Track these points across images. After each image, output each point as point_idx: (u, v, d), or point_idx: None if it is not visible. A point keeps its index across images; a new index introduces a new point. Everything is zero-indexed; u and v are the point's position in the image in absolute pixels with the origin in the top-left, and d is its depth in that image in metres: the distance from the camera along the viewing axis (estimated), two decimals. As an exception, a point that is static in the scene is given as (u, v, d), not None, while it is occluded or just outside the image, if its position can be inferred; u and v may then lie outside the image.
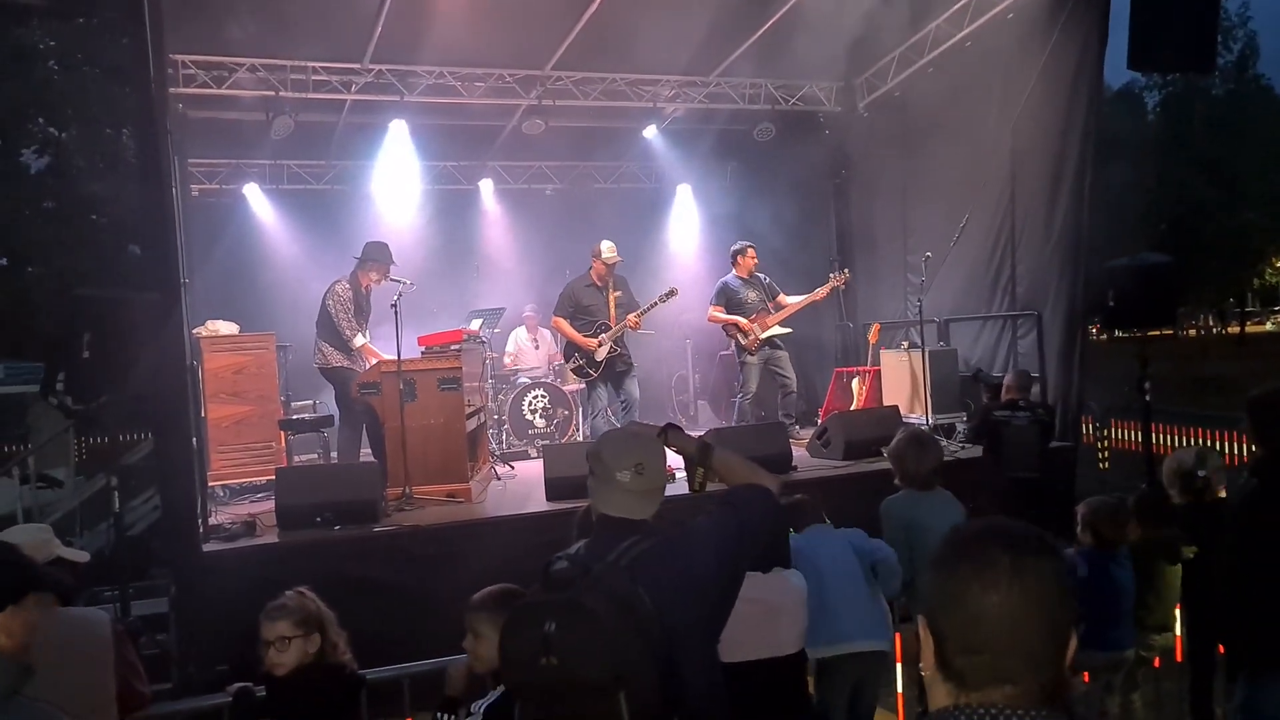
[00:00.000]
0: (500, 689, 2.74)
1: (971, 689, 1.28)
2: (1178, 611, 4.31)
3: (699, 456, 2.50)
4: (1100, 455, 9.95)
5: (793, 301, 8.76)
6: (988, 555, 1.29)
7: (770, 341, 8.70)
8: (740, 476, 2.47)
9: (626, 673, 2.00)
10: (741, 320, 8.64)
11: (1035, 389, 8.20)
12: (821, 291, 8.67)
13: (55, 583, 2.34)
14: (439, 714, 2.79)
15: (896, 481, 4.17)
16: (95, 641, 2.69)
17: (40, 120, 20.52)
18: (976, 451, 7.17)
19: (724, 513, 2.33)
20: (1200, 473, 3.70)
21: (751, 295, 8.73)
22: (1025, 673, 1.26)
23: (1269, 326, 43.60)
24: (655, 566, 2.17)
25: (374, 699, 3.35)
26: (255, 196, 10.52)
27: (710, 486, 2.56)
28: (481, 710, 2.73)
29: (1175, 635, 4.30)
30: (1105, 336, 15.25)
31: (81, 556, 3.08)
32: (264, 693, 3.04)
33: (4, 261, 20.59)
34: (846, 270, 8.89)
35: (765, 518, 2.39)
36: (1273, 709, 3.03)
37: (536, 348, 10.31)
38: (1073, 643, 1.31)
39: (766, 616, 3.21)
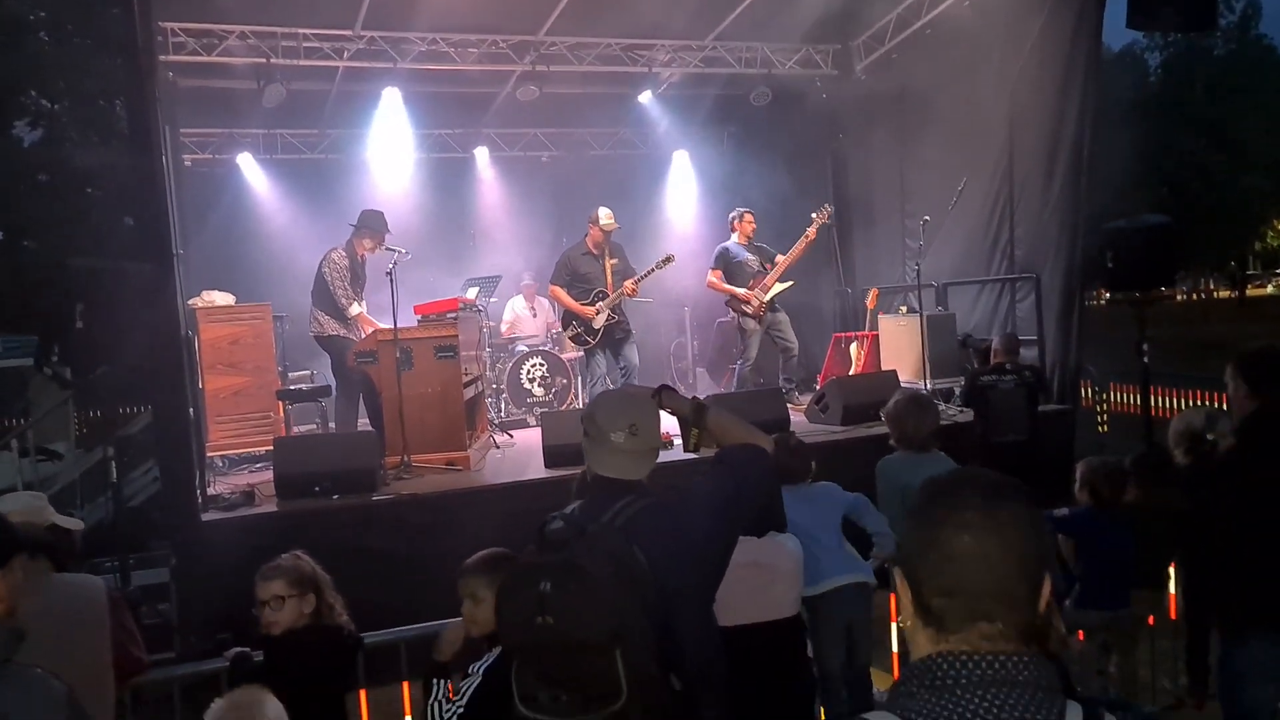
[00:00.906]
0: (498, 650, 2.75)
1: (951, 631, 1.29)
2: (1173, 571, 4.33)
3: (694, 417, 2.49)
4: (1099, 418, 9.95)
5: (785, 257, 8.70)
6: (961, 498, 1.32)
7: (770, 304, 8.66)
8: (735, 437, 2.46)
9: (622, 631, 2.00)
10: (739, 291, 8.60)
11: (1033, 354, 8.23)
12: (810, 233, 8.58)
13: (47, 547, 2.33)
14: (431, 679, 2.80)
15: (893, 443, 4.17)
16: (91, 607, 2.68)
17: (32, 93, 20.33)
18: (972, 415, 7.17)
19: (718, 472, 2.33)
20: (1209, 435, 3.69)
21: (750, 260, 8.69)
22: (1002, 612, 1.27)
23: (1269, 290, 43.51)
24: (650, 526, 2.17)
25: (371, 663, 3.36)
26: (249, 166, 10.45)
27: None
28: (481, 670, 2.74)
29: (1170, 594, 4.31)
30: (1104, 301, 15.23)
31: (75, 524, 3.07)
32: (261, 657, 3.06)
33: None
34: (828, 205, 8.81)
35: (761, 477, 2.38)
36: (1245, 666, 3.06)
37: (534, 316, 10.28)
38: (1047, 585, 1.31)
39: (762, 580, 3.22)
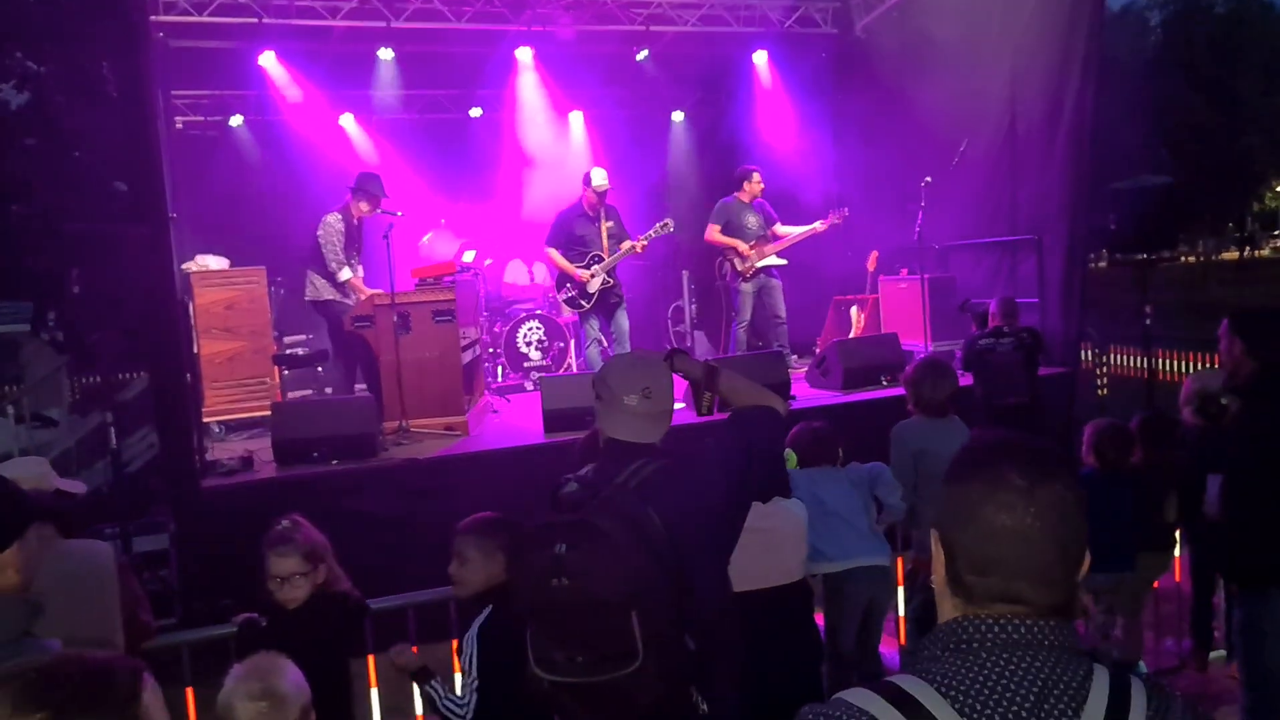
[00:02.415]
0: (489, 609, 2.77)
1: (979, 605, 1.28)
2: (1178, 535, 4.33)
3: (705, 380, 2.46)
4: (1098, 381, 9.95)
5: (789, 232, 8.65)
6: (1001, 475, 1.27)
7: (766, 270, 8.61)
8: (747, 399, 2.43)
9: (638, 591, 2.00)
10: (742, 245, 8.52)
11: (1034, 317, 8.20)
12: (820, 226, 8.54)
13: (54, 513, 2.30)
14: (425, 685, 2.84)
15: (910, 407, 4.16)
16: (100, 572, 2.66)
17: (18, 55, 20.02)
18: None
19: (732, 434, 2.31)
20: (1223, 400, 3.68)
21: (752, 220, 8.60)
22: (1035, 594, 1.25)
23: (1267, 252, 43.40)
24: (664, 487, 2.16)
25: (380, 628, 3.35)
26: (240, 128, 10.32)
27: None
28: (476, 628, 2.75)
29: (1175, 557, 4.32)
30: (1104, 264, 15.20)
31: (78, 487, 3.05)
32: (266, 623, 3.04)
33: (-13, 201, 20.27)
34: (845, 209, 8.73)
35: (774, 440, 2.37)
36: (1269, 625, 3.06)
37: (531, 279, 10.21)
38: (1085, 562, 1.29)
39: (768, 545, 3.21)
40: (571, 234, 8.06)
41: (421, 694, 2.86)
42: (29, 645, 1.89)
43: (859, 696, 1.24)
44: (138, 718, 1.26)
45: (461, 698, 2.75)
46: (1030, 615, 1.24)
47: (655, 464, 2.20)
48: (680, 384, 2.54)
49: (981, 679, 1.21)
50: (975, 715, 1.18)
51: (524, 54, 9.50)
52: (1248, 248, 41.12)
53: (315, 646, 2.77)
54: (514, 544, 2.82)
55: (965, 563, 1.28)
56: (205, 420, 6.97)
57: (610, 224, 8.12)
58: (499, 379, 9.12)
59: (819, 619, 3.62)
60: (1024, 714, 1.18)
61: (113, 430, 5.58)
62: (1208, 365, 10.66)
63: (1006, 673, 1.21)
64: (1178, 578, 4.36)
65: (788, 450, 3.75)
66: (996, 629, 1.24)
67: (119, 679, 1.26)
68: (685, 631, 2.10)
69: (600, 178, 7.97)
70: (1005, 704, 1.19)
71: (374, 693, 3.16)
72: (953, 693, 1.20)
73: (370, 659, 3.30)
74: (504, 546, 2.85)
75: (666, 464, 2.21)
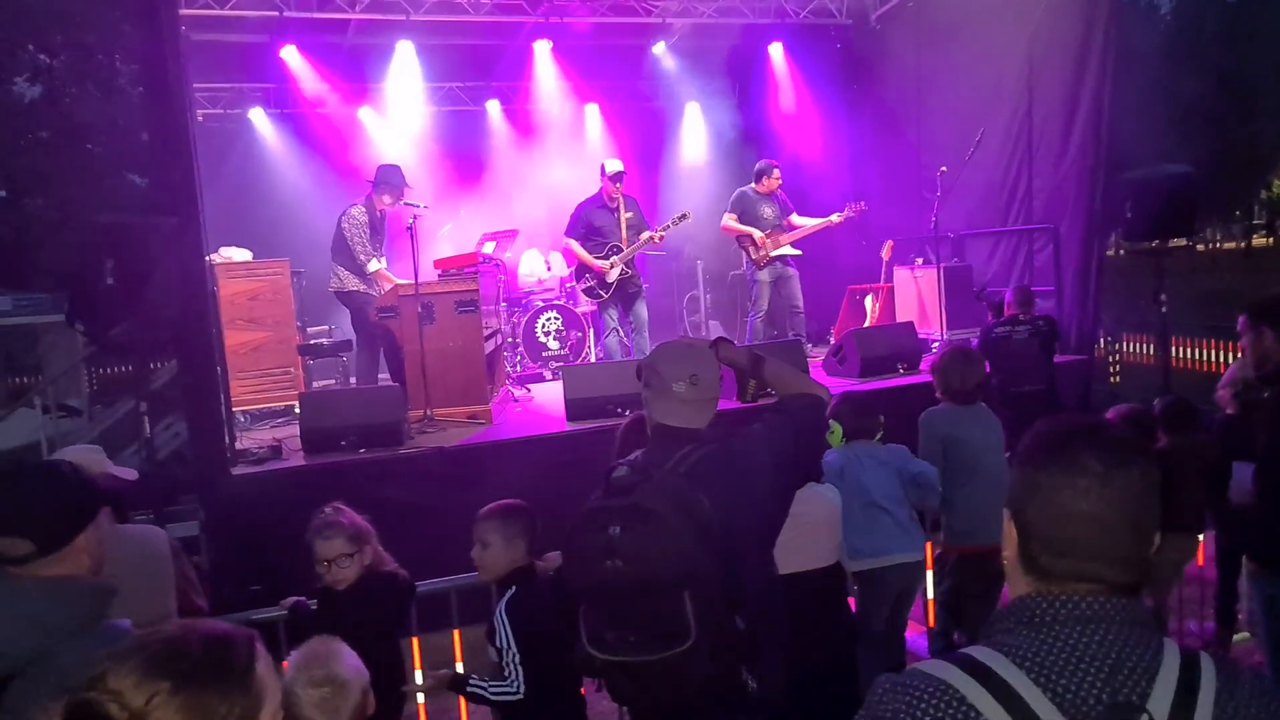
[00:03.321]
0: (513, 589, 2.86)
1: (1054, 584, 1.31)
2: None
3: (751, 368, 2.52)
4: (1111, 369, 9.98)
5: (805, 223, 8.69)
6: (1078, 461, 1.29)
7: (782, 259, 8.66)
8: (792, 387, 2.49)
9: (690, 572, 2.05)
10: (756, 233, 8.57)
11: (1050, 305, 8.23)
12: (836, 219, 8.58)
13: (115, 498, 2.36)
14: (465, 686, 2.91)
15: (938, 394, 4.21)
16: (156, 557, 2.73)
17: (30, 47, 20.08)
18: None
19: (779, 421, 2.36)
20: (1264, 394, 3.72)
21: (767, 211, 8.65)
22: (1111, 573, 1.28)
23: (1270, 241, 43.12)
24: (713, 471, 2.21)
25: (421, 611, 3.43)
26: (260, 121, 10.37)
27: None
28: (503, 608, 2.83)
29: (1199, 541, 4.37)
30: (1114, 252, 15.17)
31: (130, 474, 3.12)
32: (316, 605, 3.12)
33: (3, 194, 20.37)
34: (862, 202, 8.76)
35: (818, 427, 2.42)
36: None
37: (549, 270, 10.27)
38: (1157, 541, 1.32)
39: (802, 530, 3.25)
40: (591, 225, 8.13)
41: (468, 699, 2.92)
42: (107, 630, 1.92)
43: (935, 668, 1.28)
44: (253, 687, 1.30)
45: (507, 677, 2.83)
46: (1103, 592, 1.28)
47: (703, 449, 2.25)
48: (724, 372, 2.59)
49: (1056, 650, 1.24)
50: (1051, 686, 1.22)
51: (541, 46, 9.54)
52: (1257, 235, 40.89)
53: (366, 626, 2.85)
54: (533, 527, 2.99)
55: (1040, 545, 1.31)
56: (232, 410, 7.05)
57: (629, 215, 8.18)
58: (517, 369, 9.18)
59: (851, 602, 3.69)
60: (1098, 685, 1.22)
61: (146, 419, 5.65)
62: (1222, 353, 10.68)
63: (1080, 645, 1.24)
64: (1200, 562, 4.41)
65: (831, 423, 3.81)
66: (1070, 605, 1.27)
67: (237, 649, 1.31)
68: (736, 612, 2.16)
69: (614, 164, 8.05)
70: (1080, 675, 1.22)
71: (418, 674, 3.24)
72: (1028, 664, 1.24)
73: (415, 641, 3.38)
74: (524, 531, 2.95)
75: (714, 449, 2.27)
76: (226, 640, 1.31)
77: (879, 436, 3.99)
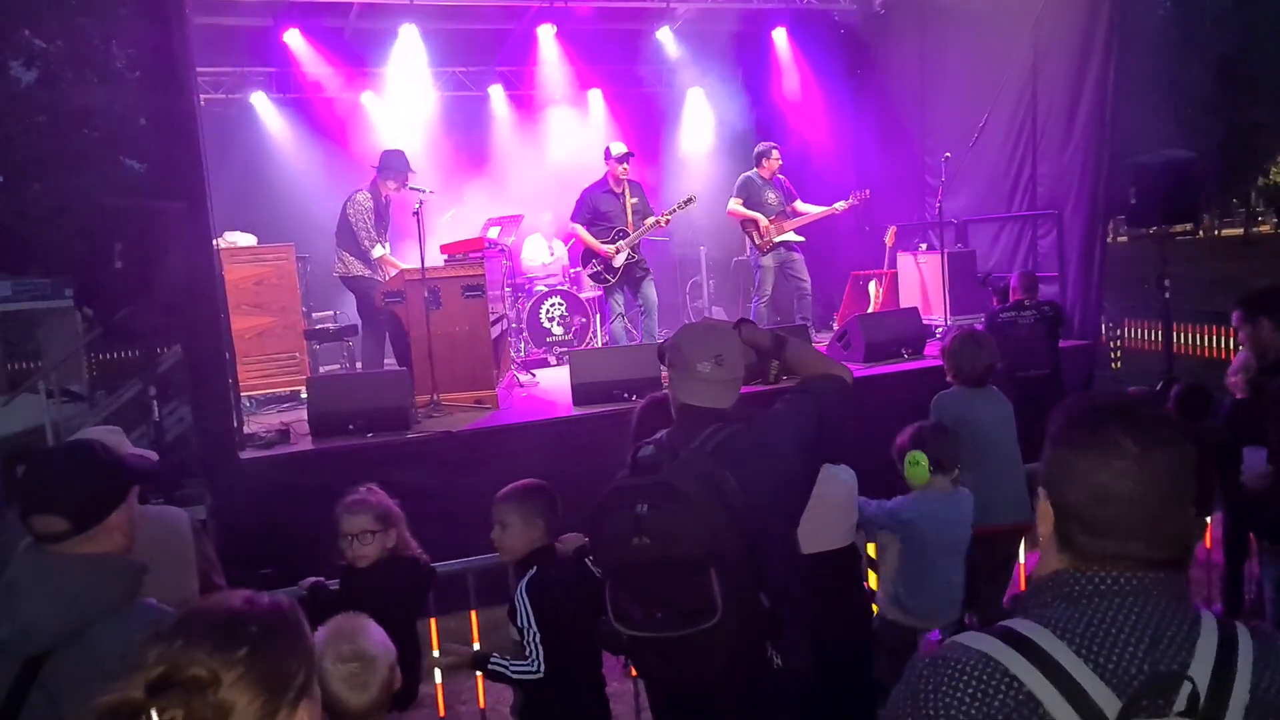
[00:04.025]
0: (532, 570, 2.88)
1: (1091, 562, 1.31)
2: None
3: (773, 349, 2.53)
4: (1113, 355, 10.03)
5: (809, 211, 8.69)
6: (1114, 441, 1.29)
7: (785, 244, 8.66)
8: (814, 368, 2.51)
9: (717, 550, 2.07)
10: (761, 219, 8.58)
11: (1053, 290, 8.25)
12: (841, 207, 8.59)
13: (145, 476, 2.37)
14: (486, 665, 2.89)
15: (949, 378, 4.23)
16: (178, 536, 2.75)
17: (25, 32, 19.97)
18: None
19: (803, 400, 2.38)
20: (1273, 382, 3.73)
21: (771, 196, 8.66)
22: (1149, 551, 1.29)
23: (1267, 228, 43.14)
24: (738, 450, 2.23)
25: (437, 593, 3.45)
26: (262, 105, 10.33)
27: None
28: (524, 588, 2.85)
29: (1206, 524, 4.40)
30: (1117, 239, 15.20)
31: (151, 455, 3.12)
32: (336, 586, 3.14)
33: (0, 179, 20.30)
34: (866, 190, 8.75)
35: (841, 407, 2.43)
36: None
37: (552, 255, 10.26)
38: (1191, 516, 1.33)
39: (817, 511, 3.27)
40: (596, 210, 8.14)
41: (488, 677, 2.93)
42: (141, 608, 1.93)
43: (975, 640, 1.29)
44: (313, 648, 1.33)
45: (528, 656, 2.85)
46: (1141, 568, 1.28)
47: (729, 428, 2.27)
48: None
49: (1096, 622, 1.26)
50: (1092, 657, 1.23)
51: (545, 31, 9.50)
52: (1264, 224, 40.92)
53: (385, 607, 2.86)
54: (552, 507, 3.00)
55: (1078, 525, 1.32)
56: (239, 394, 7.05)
57: (635, 200, 8.20)
58: (521, 354, 9.19)
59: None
60: (1139, 656, 1.23)
61: (155, 403, 5.66)
62: (1222, 339, 10.71)
63: (1119, 617, 1.26)
64: (1208, 544, 4.44)
65: (914, 453, 3.49)
66: (1110, 580, 1.28)
67: (290, 614, 1.33)
68: (761, 589, 2.18)
69: (619, 147, 8.08)
70: (1120, 646, 1.24)
71: (436, 654, 3.26)
72: (1068, 635, 1.25)
73: (432, 622, 3.40)
74: (543, 511, 2.96)
75: (740, 428, 2.29)
76: (280, 607, 1.33)
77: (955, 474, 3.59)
